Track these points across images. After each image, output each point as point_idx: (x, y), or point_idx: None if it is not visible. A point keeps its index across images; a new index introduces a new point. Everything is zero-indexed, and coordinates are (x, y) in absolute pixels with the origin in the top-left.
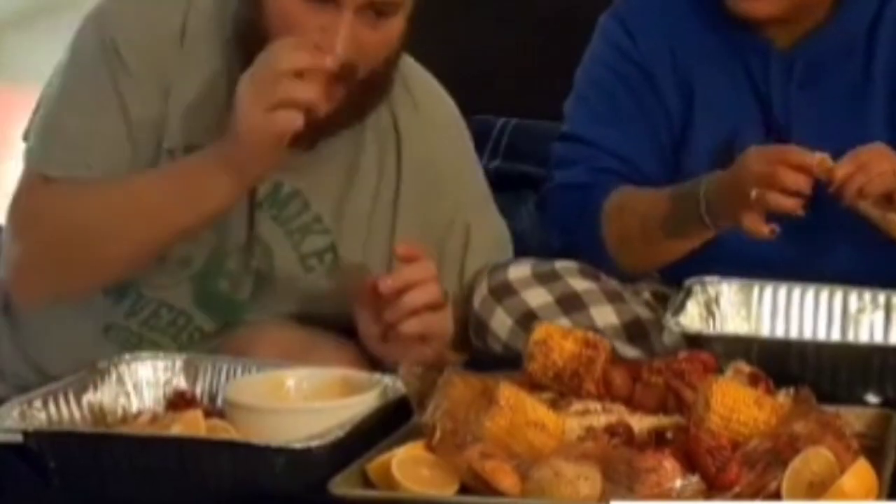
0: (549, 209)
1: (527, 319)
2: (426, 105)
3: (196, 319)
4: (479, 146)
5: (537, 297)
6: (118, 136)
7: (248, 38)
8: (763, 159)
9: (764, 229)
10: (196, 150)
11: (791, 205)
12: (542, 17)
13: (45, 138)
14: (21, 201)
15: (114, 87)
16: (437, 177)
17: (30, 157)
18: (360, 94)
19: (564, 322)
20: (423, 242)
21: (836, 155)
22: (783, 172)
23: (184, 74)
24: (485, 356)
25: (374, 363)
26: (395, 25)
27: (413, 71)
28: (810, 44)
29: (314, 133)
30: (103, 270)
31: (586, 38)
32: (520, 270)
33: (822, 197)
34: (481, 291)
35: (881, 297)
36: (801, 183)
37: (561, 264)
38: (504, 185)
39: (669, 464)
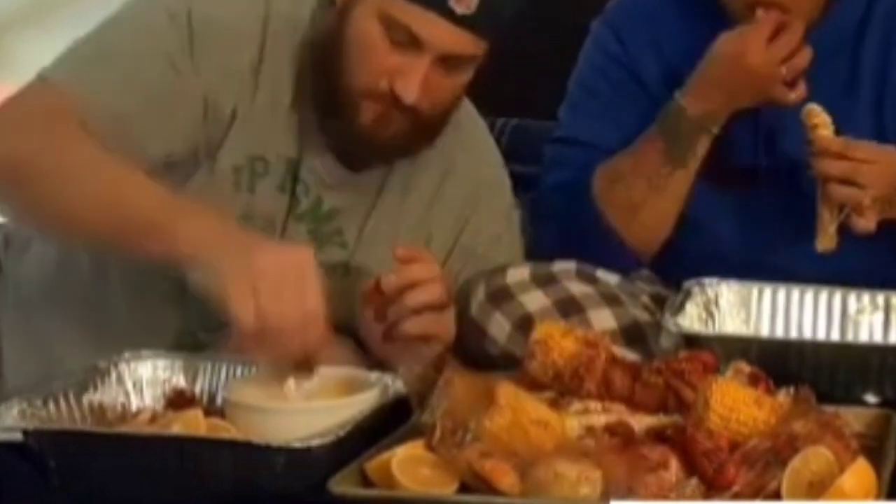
0: (543, 212)
1: (525, 324)
2: (466, 124)
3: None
4: None
5: (535, 300)
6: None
7: (324, 52)
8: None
9: (792, 95)
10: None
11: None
12: (542, 17)
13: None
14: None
15: (174, 54)
16: (477, 194)
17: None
18: (416, 132)
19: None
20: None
21: None
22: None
23: (253, 93)
24: (482, 361)
25: (372, 358)
26: (465, 77)
27: None
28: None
29: (366, 159)
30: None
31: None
32: (518, 274)
33: (815, 197)
34: (478, 296)
35: (880, 298)
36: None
37: (559, 266)
38: None
39: (669, 463)
